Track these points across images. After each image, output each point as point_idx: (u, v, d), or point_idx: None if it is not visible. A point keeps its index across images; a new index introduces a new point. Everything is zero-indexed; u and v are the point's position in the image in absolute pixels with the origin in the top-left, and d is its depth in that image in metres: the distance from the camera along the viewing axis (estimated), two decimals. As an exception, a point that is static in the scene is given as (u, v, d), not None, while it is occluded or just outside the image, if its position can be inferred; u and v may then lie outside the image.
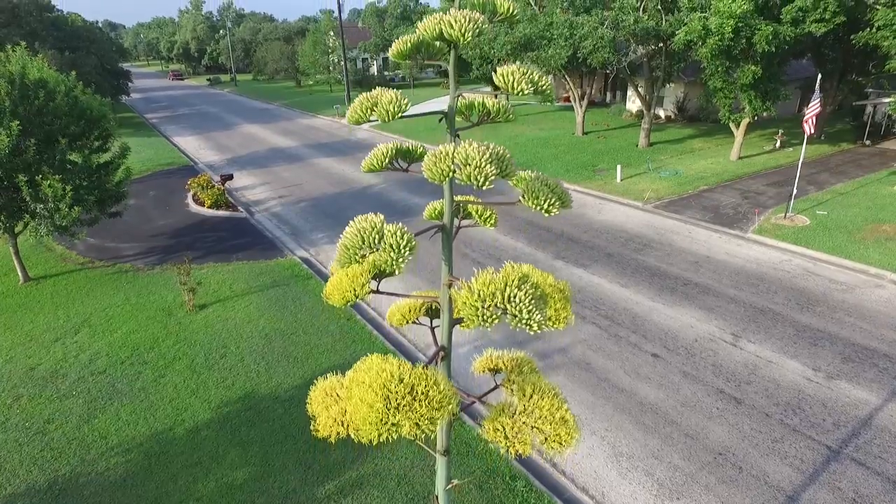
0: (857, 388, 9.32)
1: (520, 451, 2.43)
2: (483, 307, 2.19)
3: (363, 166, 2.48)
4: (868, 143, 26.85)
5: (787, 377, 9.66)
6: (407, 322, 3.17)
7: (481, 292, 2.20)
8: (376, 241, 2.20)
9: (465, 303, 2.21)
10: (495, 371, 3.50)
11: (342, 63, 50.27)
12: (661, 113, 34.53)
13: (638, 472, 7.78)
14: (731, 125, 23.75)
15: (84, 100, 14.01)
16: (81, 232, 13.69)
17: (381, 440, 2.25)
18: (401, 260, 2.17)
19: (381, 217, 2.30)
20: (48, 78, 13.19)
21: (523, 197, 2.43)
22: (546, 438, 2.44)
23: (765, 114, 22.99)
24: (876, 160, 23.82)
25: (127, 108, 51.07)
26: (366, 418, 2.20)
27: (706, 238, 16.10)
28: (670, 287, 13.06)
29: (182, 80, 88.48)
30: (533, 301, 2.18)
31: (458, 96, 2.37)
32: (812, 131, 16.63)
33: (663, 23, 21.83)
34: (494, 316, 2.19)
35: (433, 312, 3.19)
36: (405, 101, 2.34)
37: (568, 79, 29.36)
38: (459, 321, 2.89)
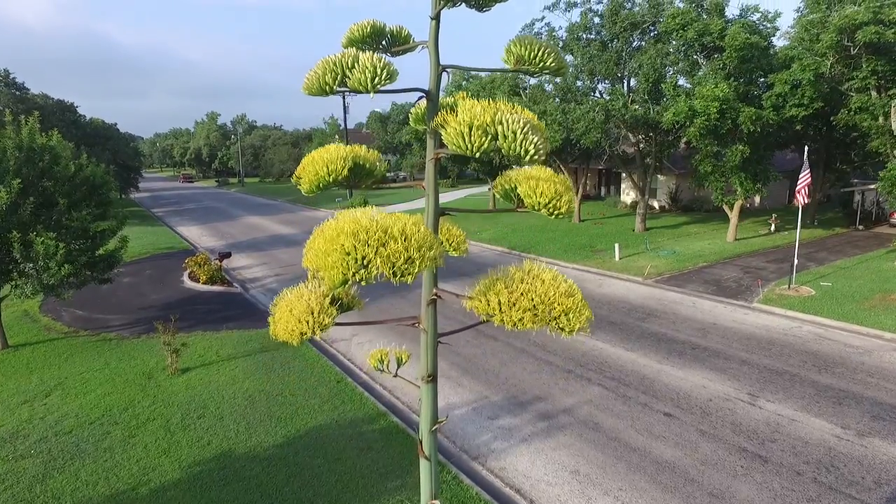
0: (893, 445, 8.48)
1: (516, 324, 2.01)
2: (471, 131, 1.90)
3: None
4: (861, 227, 27.19)
5: (814, 435, 8.84)
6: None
7: (469, 116, 1.92)
8: (349, 66, 1.96)
9: (451, 131, 1.93)
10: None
11: (346, 162, 52.51)
12: (655, 204, 35.36)
13: (659, 534, 6.82)
14: (725, 207, 24.15)
15: (88, 168, 14.29)
16: (68, 292, 13.29)
17: (347, 284, 1.85)
18: (376, 80, 1.91)
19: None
20: (55, 144, 13.55)
21: (511, 57, 2.22)
22: (550, 312, 2.03)
23: (757, 197, 23.50)
24: (872, 241, 23.94)
25: (134, 203, 52.51)
26: (328, 259, 1.83)
27: (711, 308, 15.66)
28: (678, 351, 12.44)
29: (192, 182, 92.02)
30: (528, 125, 1.90)
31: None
32: (805, 201, 16.82)
33: (651, 111, 23.00)
34: (483, 140, 1.89)
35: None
36: (390, 68, 2.00)
37: (563, 168, 30.40)
38: (444, 212, 2.56)
